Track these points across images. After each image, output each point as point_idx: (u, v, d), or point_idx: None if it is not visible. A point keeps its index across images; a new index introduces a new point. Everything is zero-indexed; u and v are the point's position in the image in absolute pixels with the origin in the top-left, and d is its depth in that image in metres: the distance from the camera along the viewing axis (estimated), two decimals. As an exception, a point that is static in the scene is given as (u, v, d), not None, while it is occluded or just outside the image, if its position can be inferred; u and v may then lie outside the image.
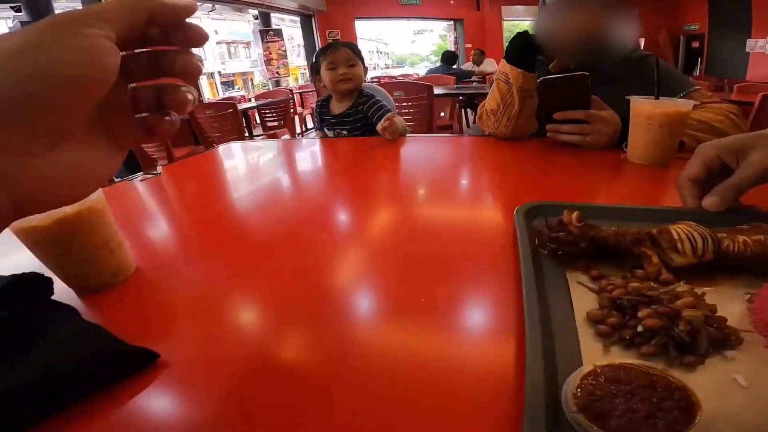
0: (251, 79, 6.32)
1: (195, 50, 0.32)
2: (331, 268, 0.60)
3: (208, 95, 5.40)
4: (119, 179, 1.15)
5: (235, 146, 1.61)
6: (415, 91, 2.98)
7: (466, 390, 0.39)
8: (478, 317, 0.53)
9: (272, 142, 1.69)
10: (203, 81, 5.44)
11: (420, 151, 1.36)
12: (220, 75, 5.87)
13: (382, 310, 0.51)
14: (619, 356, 0.42)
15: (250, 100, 4.68)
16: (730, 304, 0.48)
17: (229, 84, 6.01)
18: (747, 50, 4.96)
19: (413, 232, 0.73)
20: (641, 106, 0.96)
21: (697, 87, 1.19)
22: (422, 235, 0.71)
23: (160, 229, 0.83)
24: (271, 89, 4.78)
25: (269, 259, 0.65)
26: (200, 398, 0.37)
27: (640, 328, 0.43)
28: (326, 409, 0.35)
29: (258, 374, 0.39)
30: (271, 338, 0.46)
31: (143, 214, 0.91)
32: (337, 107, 1.76)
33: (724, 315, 0.44)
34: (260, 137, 2.59)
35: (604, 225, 0.58)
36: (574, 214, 0.57)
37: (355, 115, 1.71)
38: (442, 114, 3.57)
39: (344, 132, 1.76)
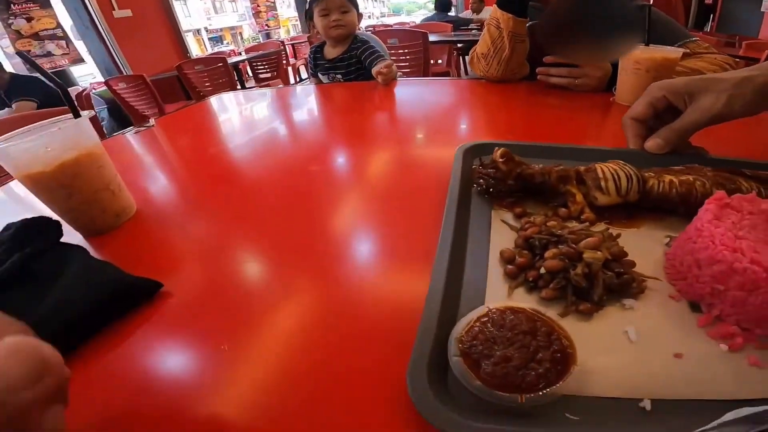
0: (240, 34, 6.05)
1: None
2: (305, 203, 0.66)
3: (196, 52, 5.20)
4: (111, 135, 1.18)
5: (227, 96, 1.60)
6: (410, 38, 2.84)
7: (377, 318, 0.42)
8: (404, 249, 0.53)
9: (261, 90, 1.67)
10: (190, 38, 5.23)
11: (409, 95, 1.34)
12: (207, 31, 5.62)
13: (329, 240, 0.56)
14: (522, 298, 0.42)
15: (240, 53, 4.55)
16: (650, 247, 0.47)
17: (217, 39, 5.76)
18: (762, 10, 4.57)
19: (378, 169, 0.78)
20: (633, 51, 0.95)
21: (695, 38, 1.16)
22: (387, 172, 0.76)
23: (156, 175, 0.86)
24: (262, 42, 4.61)
25: (257, 198, 0.70)
26: (200, 324, 0.41)
27: (542, 270, 0.42)
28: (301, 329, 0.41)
29: (253, 301, 0.44)
30: (264, 268, 0.51)
31: (139, 163, 0.94)
32: (331, 52, 1.74)
33: (642, 260, 0.44)
34: (253, 89, 2.54)
35: (550, 164, 0.56)
36: (499, 151, 0.55)
37: (349, 60, 1.70)
38: (439, 62, 3.40)
39: (339, 76, 1.75)
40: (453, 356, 0.32)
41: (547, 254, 0.43)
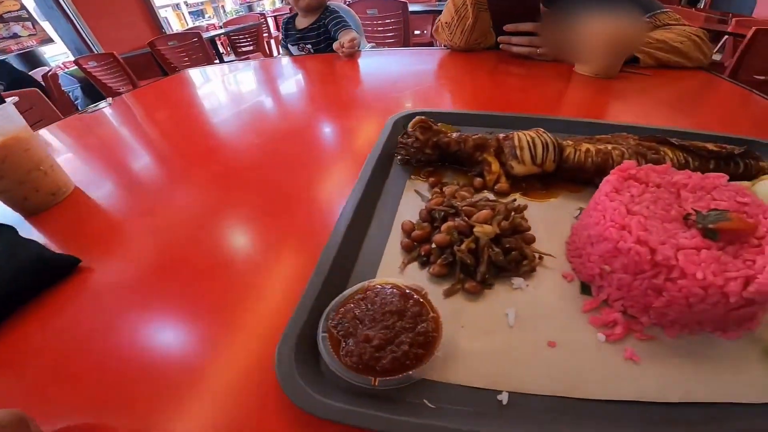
0: (222, 7, 5.78)
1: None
2: (235, 178, 0.64)
3: (176, 27, 5.00)
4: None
5: (194, 72, 1.49)
6: (389, 8, 2.70)
7: (265, 283, 0.41)
8: (308, 221, 0.50)
9: (223, 66, 1.58)
10: (168, 12, 5.01)
11: (372, 66, 1.26)
12: (187, 5, 5.36)
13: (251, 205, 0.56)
14: (415, 274, 0.39)
15: (219, 27, 4.38)
16: (562, 220, 0.43)
17: (198, 13, 5.50)
18: None
19: (313, 142, 0.75)
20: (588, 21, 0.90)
21: (666, 9, 1.11)
22: (322, 144, 0.74)
23: (96, 154, 0.84)
24: (244, 15, 4.45)
25: (187, 174, 0.68)
26: (124, 297, 0.42)
27: (433, 245, 0.39)
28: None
29: (173, 270, 0.45)
30: (185, 240, 0.50)
31: (84, 143, 0.91)
32: (301, 22, 1.68)
33: (549, 234, 0.41)
34: (232, 62, 2.45)
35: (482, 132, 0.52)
36: (416, 120, 0.51)
37: (317, 30, 1.65)
38: (424, 32, 3.26)
39: (309, 47, 1.69)
40: (320, 333, 0.30)
41: (442, 227, 0.40)
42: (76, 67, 2.94)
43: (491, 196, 0.47)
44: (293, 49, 1.73)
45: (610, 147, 0.45)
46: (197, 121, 0.95)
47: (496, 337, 0.32)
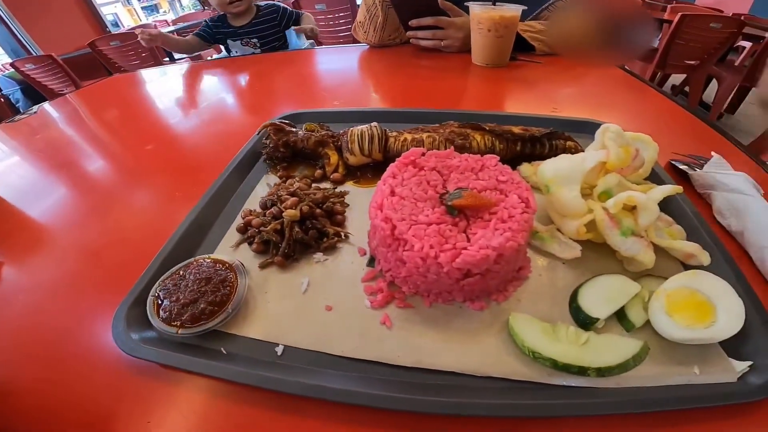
0: (179, 1, 5.56)
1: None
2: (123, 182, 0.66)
3: (128, 23, 4.82)
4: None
5: (122, 78, 1.45)
6: (336, 2, 2.69)
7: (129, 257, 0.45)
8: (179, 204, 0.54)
9: (154, 70, 1.49)
10: (119, 8, 4.82)
11: (290, 66, 1.26)
12: (140, 0, 5.15)
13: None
14: (246, 251, 0.43)
15: (170, 24, 4.25)
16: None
17: (152, 8, 5.27)
18: None
19: (203, 141, 0.77)
20: (473, 11, 0.94)
21: None
22: (215, 142, 0.75)
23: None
24: (203, 10, 4.31)
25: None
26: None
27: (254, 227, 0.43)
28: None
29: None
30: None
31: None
32: (238, 21, 1.63)
33: (365, 215, 0.44)
34: (183, 59, 2.39)
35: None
36: (267, 123, 0.55)
37: (262, 24, 1.63)
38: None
39: (255, 40, 1.65)
40: (150, 295, 0.36)
41: (267, 213, 0.44)
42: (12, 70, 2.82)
43: (328, 185, 0.51)
44: (234, 45, 1.68)
45: (425, 135, 0.49)
46: (105, 131, 0.94)
47: (288, 301, 0.37)
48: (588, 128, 0.59)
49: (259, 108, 0.91)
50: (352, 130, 0.52)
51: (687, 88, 2.63)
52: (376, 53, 1.20)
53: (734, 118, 2.77)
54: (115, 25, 4.97)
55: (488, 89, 0.88)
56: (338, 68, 1.18)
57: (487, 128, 0.50)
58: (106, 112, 1.05)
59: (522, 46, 1.04)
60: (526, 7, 0.92)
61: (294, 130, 0.55)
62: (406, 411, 0.28)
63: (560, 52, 1.05)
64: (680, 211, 0.44)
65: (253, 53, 1.64)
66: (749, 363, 0.31)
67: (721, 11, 3.35)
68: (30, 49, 3.42)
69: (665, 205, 0.46)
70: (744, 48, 3.14)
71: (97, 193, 0.63)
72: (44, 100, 2.51)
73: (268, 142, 0.56)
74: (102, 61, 2.91)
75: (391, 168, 0.40)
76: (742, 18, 2.65)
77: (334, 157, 0.52)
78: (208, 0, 1.60)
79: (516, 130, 0.49)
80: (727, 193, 0.46)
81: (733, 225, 0.44)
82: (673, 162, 0.55)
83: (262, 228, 0.42)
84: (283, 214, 0.41)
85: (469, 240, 0.32)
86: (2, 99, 2.87)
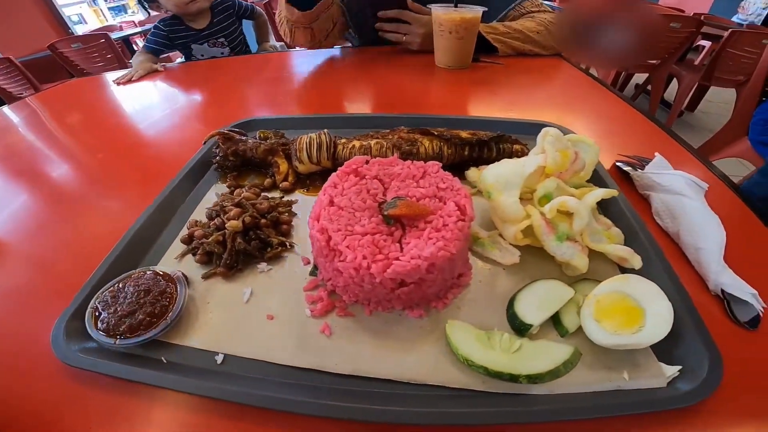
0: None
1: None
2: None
3: (94, 24, 4.63)
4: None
5: (80, 82, 1.36)
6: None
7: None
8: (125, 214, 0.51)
9: (114, 75, 1.40)
10: (84, 8, 4.61)
11: (246, 68, 1.23)
12: (106, 0, 4.93)
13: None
14: (190, 262, 0.42)
15: (137, 25, 4.12)
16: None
17: (120, 9, 5.05)
18: None
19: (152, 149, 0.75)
20: (435, 13, 0.94)
21: None
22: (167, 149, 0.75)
23: None
24: (149, 16, 4.16)
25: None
26: None
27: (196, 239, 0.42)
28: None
29: None
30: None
31: None
32: (199, 23, 1.54)
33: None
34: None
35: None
36: (215, 132, 0.54)
37: (223, 22, 1.56)
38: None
39: (222, 39, 1.58)
40: (90, 307, 0.35)
41: (211, 224, 0.43)
42: (-33, 73, 2.67)
43: (277, 194, 0.50)
44: (198, 49, 1.60)
45: (373, 142, 0.49)
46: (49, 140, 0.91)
47: (230, 311, 0.37)
48: (539, 131, 0.60)
49: (217, 115, 0.89)
50: (300, 138, 0.51)
51: (649, 87, 2.73)
52: (340, 57, 1.19)
53: (694, 116, 2.89)
54: (81, 25, 4.77)
55: (449, 91, 0.89)
56: (300, 72, 1.16)
57: (436, 133, 0.50)
58: (58, 118, 1.01)
59: (487, 48, 1.06)
60: (486, 9, 0.93)
61: (244, 138, 0.54)
62: (338, 419, 0.28)
63: (521, 53, 1.08)
64: (620, 214, 0.45)
65: (222, 53, 1.59)
66: (678, 368, 0.31)
67: (683, 11, 3.49)
68: (-15, 51, 3.25)
69: (606, 207, 0.47)
70: (704, 47, 3.29)
71: (44, 201, 0.61)
72: (2, 103, 2.40)
73: (218, 151, 0.55)
74: (63, 64, 2.80)
75: (332, 177, 0.40)
76: (702, 18, 2.77)
77: (283, 166, 0.51)
78: (160, 3, 1.46)
79: (464, 134, 0.50)
80: (663, 194, 0.48)
81: (669, 226, 0.46)
82: (618, 163, 0.57)
83: (204, 240, 0.41)
84: (226, 225, 0.41)
85: (402, 250, 0.32)
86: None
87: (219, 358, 0.33)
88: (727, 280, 0.39)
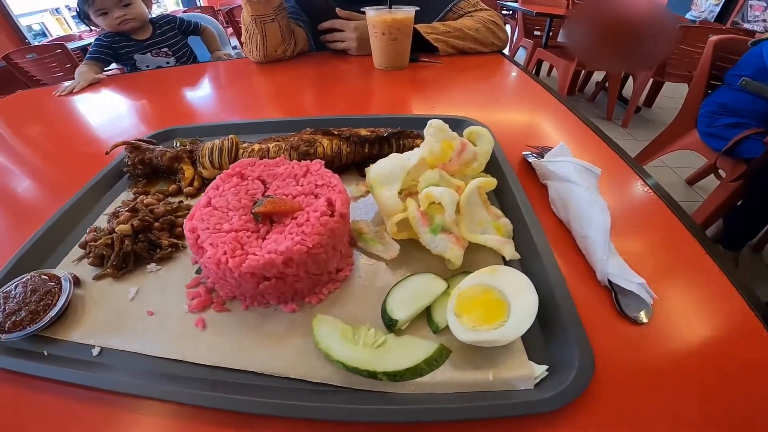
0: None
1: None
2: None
3: (57, 32, 4.52)
4: None
5: (19, 97, 1.33)
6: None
7: None
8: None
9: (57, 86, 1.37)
10: (47, 17, 4.50)
11: (187, 77, 1.22)
12: (69, 9, 4.80)
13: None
14: (85, 266, 0.42)
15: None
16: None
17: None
18: None
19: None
20: (368, 15, 0.96)
21: None
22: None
23: None
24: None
25: None
26: None
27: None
28: None
29: None
30: None
31: None
32: (141, 34, 1.54)
33: None
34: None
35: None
36: (122, 141, 0.54)
37: (164, 34, 1.56)
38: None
39: (165, 49, 1.57)
40: None
41: (104, 228, 0.43)
42: None
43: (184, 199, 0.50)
44: (142, 59, 1.57)
45: (272, 145, 0.50)
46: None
47: (113, 308, 0.38)
48: (461, 126, 0.61)
49: (147, 123, 0.88)
50: (204, 145, 0.51)
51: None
52: (281, 64, 1.17)
53: (652, 111, 3.00)
54: (43, 35, 4.65)
55: (383, 92, 0.90)
56: (242, 79, 1.14)
57: (336, 132, 0.51)
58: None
59: (430, 49, 1.07)
60: (418, 8, 0.94)
61: (151, 147, 0.54)
62: (201, 406, 0.29)
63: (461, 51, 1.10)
64: (512, 204, 0.46)
65: (168, 62, 1.58)
66: (545, 368, 0.30)
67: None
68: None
69: (501, 198, 0.49)
70: (661, 44, 3.42)
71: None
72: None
73: (127, 160, 0.55)
74: (19, 75, 2.72)
75: (216, 180, 0.40)
76: (654, 16, 2.88)
77: (188, 172, 0.51)
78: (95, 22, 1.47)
79: (363, 131, 0.51)
80: (556, 182, 0.49)
81: (562, 214, 0.47)
82: (524, 153, 0.58)
83: (91, 243, 0.41)
84: (115, 228, 0.41)
85: (257, 245, 0.33)
86: None
87: (95, 351, 0.34)
88: (612, 269, 0.37)
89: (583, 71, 3.03)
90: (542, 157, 0.55)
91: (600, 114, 2.86)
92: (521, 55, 3.58)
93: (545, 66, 3.79)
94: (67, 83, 1.19)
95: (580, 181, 0.48)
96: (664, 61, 2.55)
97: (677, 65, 2.47)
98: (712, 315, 0.37)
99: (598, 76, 3.10)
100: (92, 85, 1.17)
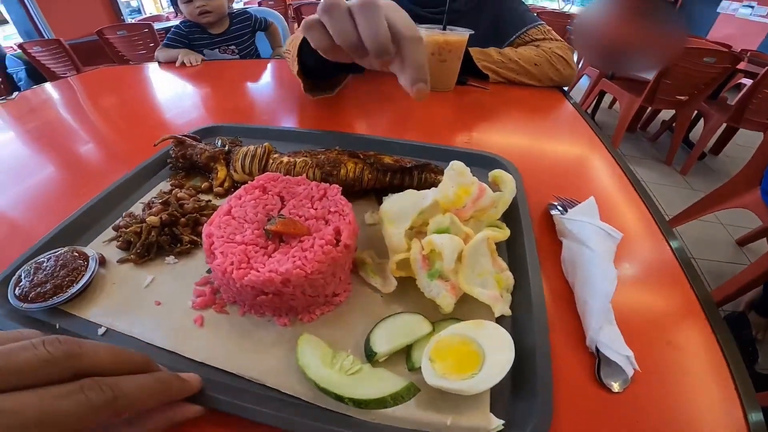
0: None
1: None
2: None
3: (151, 11, 4.97)
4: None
5: (101, 72, 1.50)
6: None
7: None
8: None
9: (140, 67, 1.48)
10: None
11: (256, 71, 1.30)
12: None
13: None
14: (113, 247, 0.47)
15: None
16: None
17: None
18: (718, 10, 5.04)
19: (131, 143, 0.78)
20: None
21: (540, 23, 1.14)
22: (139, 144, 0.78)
23: None
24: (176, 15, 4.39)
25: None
26: None
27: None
28: None
29: None
30: None
31: None
32: (216, 28, 1.67)
33: None
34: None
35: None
36: (169, 136, 0.60)
37: (237, 33, 1.68)
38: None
39: (233, 47, 1.70)
40: (16, 276, 0.41)
41: (137, 216, 0.48)
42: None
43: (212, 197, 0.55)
44: (209, 54, 1.70)
45: (299, 159, 0.52)
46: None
47: (128, 292, 0.42)
48: (491, 165, 0.61)
49: (201, 113, 0.94)
50: (240, 149, 0.55)
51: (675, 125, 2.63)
52: None
53: (718, 160, 2.75)
54: (138, 12, 5.11)
55: (422, 114, 0.91)
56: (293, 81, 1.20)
57: (362, 156, 0.53)
58: (74, 104, 1.11)
59: (481, 73, 1.06)
60: (473, 32, 0.94)
61: (194, 144, 0.59)
62: None
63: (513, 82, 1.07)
64: (521, 258, 0.45)
65: (231, 59, 1.68)
66: (502, 422, 0.31)
67: (729, 46, 3.33)
68: (43, 31, 3.55)
69: (513, 250, 0.48)
70: (745, 86, 3.14)
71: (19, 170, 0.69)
72: (45, 81, 2.59)
73: (171, 152, 0.60)
74: (108, 50, 3.01)
75: (240, 190, 0.43)
76: (740, 53, 2.62)
77: (222, 173, 0.55)
78: (180, 8, 1.61)
79: (387, 159, 0.52)
80: (572, 242, 0.48)
81: (569, 275, 0.46)
82: (549, 204, 0.57)
83: (123, 229, 0.46)
84: (146, 219, 0.45)
85: (264, 260, 0.35)
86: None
87: (101, 330, 0.38)
88: (604, 338, 0.37)
89: (649, 108, 2.85)
90: (566, 211, 0.54)
91: (659, 157, 2.68)
92: (584, 83, 3.44)
93: (607, 97, 3.61)
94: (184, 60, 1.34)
95: (594, 246, 0.46)
96: (744, 105, 2.34)
97: (758, 111, 2.25)
98: (694, 404, 0.35)
99: (665, 114, 2.90)
100: (173, 69, 1.30)
